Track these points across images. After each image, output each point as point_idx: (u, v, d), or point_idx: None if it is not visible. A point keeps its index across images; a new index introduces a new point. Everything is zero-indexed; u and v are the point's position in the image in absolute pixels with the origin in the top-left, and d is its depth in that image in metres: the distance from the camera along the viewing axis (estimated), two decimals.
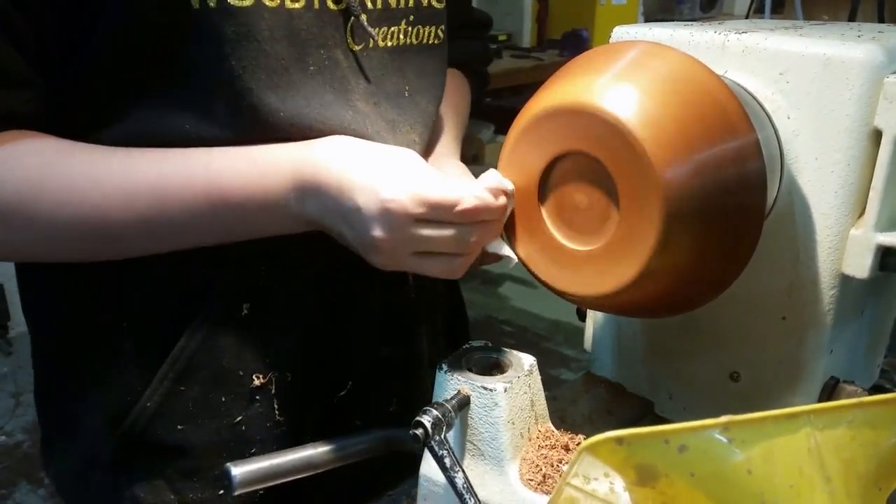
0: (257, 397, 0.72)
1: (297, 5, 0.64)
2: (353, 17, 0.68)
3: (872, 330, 0.77)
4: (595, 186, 0.57)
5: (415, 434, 0.57)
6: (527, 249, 0.63)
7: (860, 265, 0.64)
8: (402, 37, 0.75)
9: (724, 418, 0.38)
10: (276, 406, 0.73)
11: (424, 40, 0.78)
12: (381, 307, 0.79)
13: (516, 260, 0.64)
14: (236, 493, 0.61)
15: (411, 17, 0.75)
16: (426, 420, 0.57)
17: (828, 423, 0.39)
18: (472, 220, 0.60)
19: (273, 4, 0.63)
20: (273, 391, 0.73)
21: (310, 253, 0.70)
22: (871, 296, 0.72)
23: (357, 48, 0.70)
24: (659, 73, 0.56)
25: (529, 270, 0.63)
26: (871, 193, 0.63)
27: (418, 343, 0.85)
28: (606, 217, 0.57)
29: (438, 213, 0.59)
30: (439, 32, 0.79)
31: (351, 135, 0.67)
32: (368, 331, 0.78)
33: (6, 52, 0.59)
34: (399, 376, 0.82)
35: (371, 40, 0.71)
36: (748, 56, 0.66)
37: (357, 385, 0.78)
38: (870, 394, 0.71)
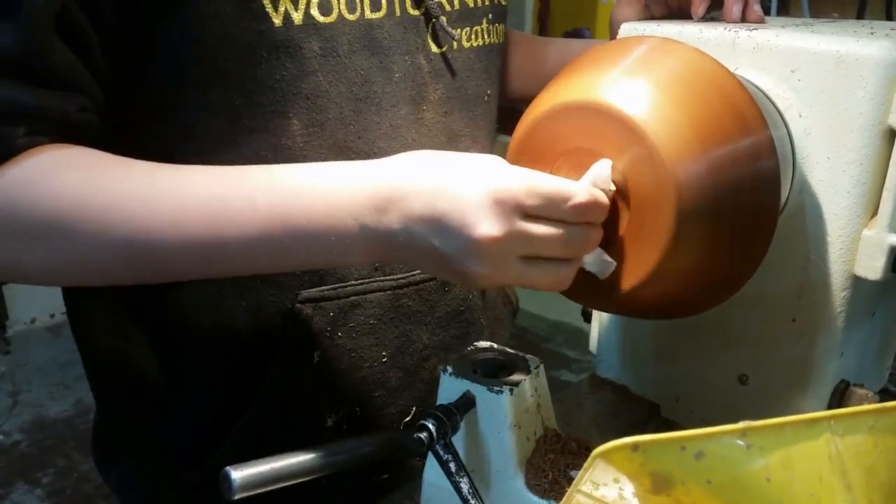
0: (329, 436, 0.71)
1: (377, 15, 0.65)
2: (433, 20, 0.69)
3: (883, 332, 0.75)
4: None
5: (419, 438, 0.56)
6: None
7: (872, 266, 0.63)
8: (485, 36, 0.76)
9: (741, 424, 0.37)
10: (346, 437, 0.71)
11: (500, 39, 0.79)
12: (437, 328, 0.77)
13: (614, 265, 0.57)
14: (236, 498, 0.60)
15: (490, 16, 0.76)
16: (431, 424, 0.56)
17: (849, 429, 0.38)
18: (584, 217, 0.53)
19: (353, 18, 0.63)
20: (344, 427, 0.72)
21: (373, 290, 0.70)
22: (882, 297, 0.71)
23: (440, 51, 0.71)
24: (670, 69, 0.55)
25: None
26: (884, 193, 0.62)
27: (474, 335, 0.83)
28: (617, 216, 0.55)
29: (551, 207, 0.52)
30: (504, 30, 0.80)
31: (412, 150, 0.61)
32: (427, 357, 0.77)
33: (61, 51, 0.54)
34: None
35: (454, 42, 0.72)
36: (759, 53, 0.64)
37: (422, 406, 0.77)
38: (880, 398, 0.70)
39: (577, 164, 0.57)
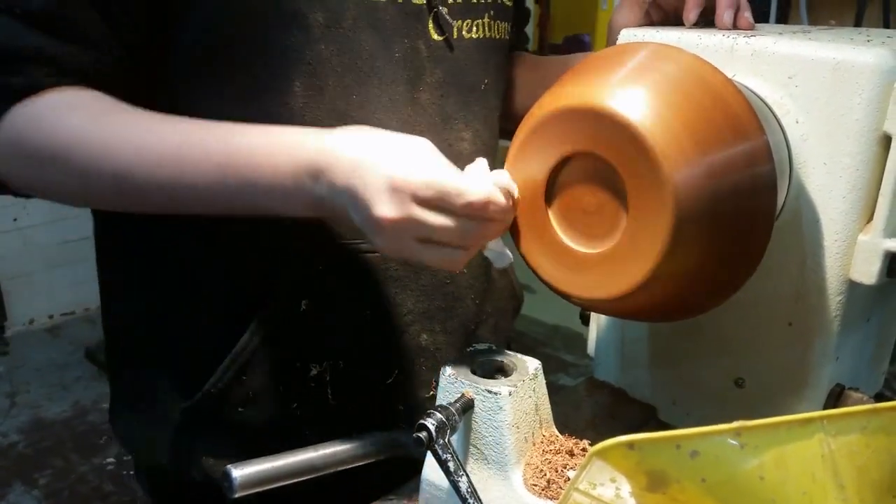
0: (312, 385, 0.77)
1: None
2: (435, 10, 0.75)
3: (878, 337, 0.76)
4: (603, 189, 0.56)
5: (418, 437, 0.57)
6: (532, 252, 0.62)
7: (868, 271, 0.64)
8: (486, 30, 0.81)
9: (736, 423, 0.38)
10: (329, 392, 0.78)
11: (503, 36, 0.83)
12: (419, 299, 0.81)
13: (511, 260, 0.64)
14: (237, 495, 0.60)
15: (492, 13, 0.81)
16: (430, 423, 0.57)
17: (841, 429, 0.38)
18: (478, 214, 0.59)
19: None
20: (328, 379, 0.77)
21: (359, 251, 0.74)
22: (877, 302, 0.72)
23: (441, 38, 0.76)
24: (669, 74, 0.55)
25: (535, 273, 0.62)
26: (879, 199, 0.63)
27: (464, 330, 0.87)
28: (614, 220, 0.56)
29: (445, 201, 0.58)
30: (509, 29, 0.84)
31: (406, 125, 0.74)
32: (411, 322, 0.81)
33: (85, 11, 0.64)
34: (436, 363, 0.83)
35: (455, 31, 0.77)
36: (757, 60, 0.65)
37: (402, 374, 0.82)
38: (875, 402, 0.70)
39: (577, 169, 0.58)
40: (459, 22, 0.77)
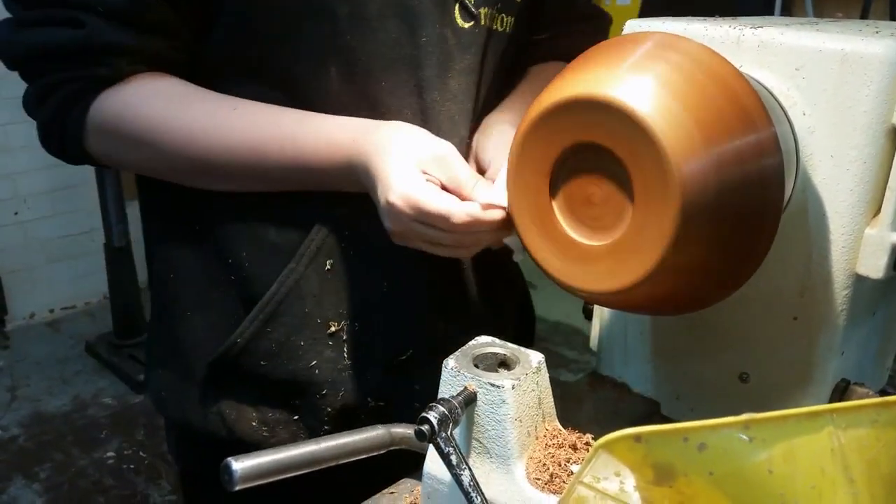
0: (330, 342, 0.83)
1: None
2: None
3: (884, 332, 0.76)
4: (609, 180, 0.56)
5: (420, 430, 0.56)
6: (536, 244, 0.62)
7: (875, 265, 0.63)
8: (498, 23, 0.83)
9: (744, 416, 0.37)
10: (345, 351, 0.83)
11: (506, 29, 0.85)
12: (436, 288, 0.86)
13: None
14: (237, 488, 0.60)
15: (499, 5, 0.82)
16: (432, 416, 0.56)
17: (851, 422, 0.38)
18: (467, 230, 0.66)
19: None
20: (344, 338, 0.83)
21: (383, 228, 0.76)
22: (883, 297, 0.71)
23: (466, 26, 0.79)
24: (676, 64, 0.54)
25: (539, 265, 0.62)
26: (887, 192, 0.62)
27: (474, 321, 0.90)
28: (620, 211, 0.55)
29: (432, 222, 0.66)
30: (513, 25, 0.86)
31: (436, 109, 0.79)
32: (424, 307, 0.86)
33: (160, 4, 0.72)
34: (453, 350, 0.83)
35: (483, 18, 0.80)
36: (764, 51, 0.65)
37: (415, 355, 0.86)
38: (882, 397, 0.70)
39: (582, 160, 0.57)
40: (485, 9, 0.80)
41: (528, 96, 0.92)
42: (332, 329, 0.82)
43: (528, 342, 0.79)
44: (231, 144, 0.74)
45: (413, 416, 0.72)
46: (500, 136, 0.82)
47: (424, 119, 0.79)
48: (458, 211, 0.66)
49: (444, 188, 0.69)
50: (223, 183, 0.79)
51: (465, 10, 0.78)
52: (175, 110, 0.75)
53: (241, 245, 0.82)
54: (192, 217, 0.84)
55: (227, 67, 0.78)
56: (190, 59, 0.78)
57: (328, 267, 0.81)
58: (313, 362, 0.82)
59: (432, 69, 0.78)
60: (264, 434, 0.84)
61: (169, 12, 0.73)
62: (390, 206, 0.67)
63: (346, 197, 0.77)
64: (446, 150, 0.70)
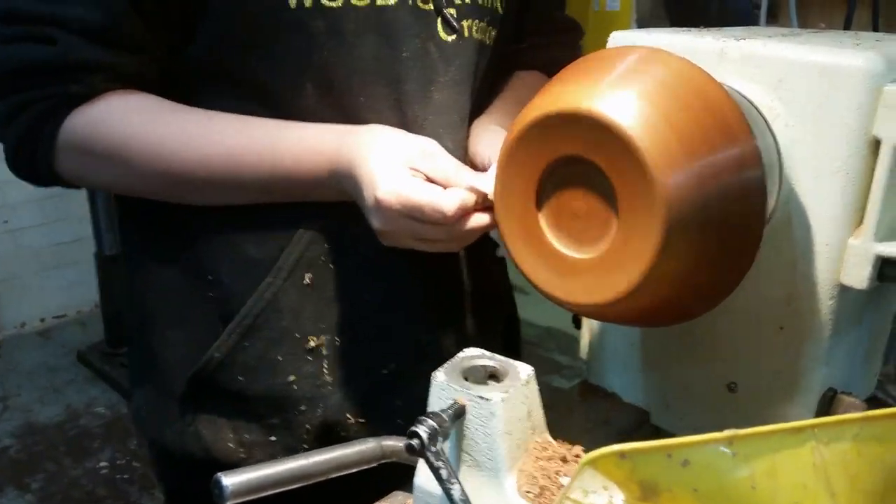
0: (309, 357, 0.81)
1: (389, 2, 0.74)
2: (442, 12, 0.77)
3: (870, 340, 0.76)
4: (594, 193, 0.56)
5: (410, 444, 0.56)
6: (523, 256, 0.62)
7: (859, 275, 0.64)
8: (486, 36, 0.83)
9: (728, 432, 0.38)
10: (325, 366, 0.82)
11: (492, 43, 0.85)
12: (424, 298, 0.85)
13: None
14: None
15: (488, 18, 0.83)
16: (422, 430, 0.56)
17: (833, 437, 0.38)
18: (454, 221, 0.66)
19: (361, 4, 0.73)
20: (324, 353, 0.82)
21: (366, 238, 0.75)
22: (868, 306, 0.72)
23: (450, 39, 0.79)
24: (659, 78, 0.55)
25: (526, 277, 0.62)
26: (869, 203, 0.63)
27: (462, 333, 0.90)
28: (605, 225, 0.56)
29: (421, 215, 0.66)
30: (494, 38, 0.86)
31: (419, 124, 0.78)
32: (411, 318, 0.85)
33: (133, 21, 0.71)
34: (440, 362, 0.83)
35: (466, 31, 0.79)
36: (747, 63, 0.65)
37: (399, 368, 0.85)
38: (868, 405, 0.70)
39: (566, 174, 0.57)
40: (469, 21, 0.80)
41: (512, 102, 0.93)
42: (312, 344, 0.81)
43: (514, 353, 0.79)
44: (207, 157, 0.74)
45: (395, 434, 0.72)
46: (490, 134, 0.83)
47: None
48: (447, 199, 0.66)
49: (430, 181, 0.68)
50: (200, 196, 0.78)
51: (447, 23, 0.78)
52: (149, 125, 0.74)
53: (219, 260, 0.81)
54: (170, 232, 0.83)
55: (204, 82, 0.77)
56: (162, 75, 0.77)
57: (307, 281, 0.80)
58: (291, 377, 0.81)
59: (414, 83, 0.77)
60: (241, 455, 0.83)
61: (142, 28, 0.72)
62: (378, 203, 0.67)
63: (324, 208, 0.77)
64: (429, 144, 0.71)
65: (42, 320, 3.42)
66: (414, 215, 0.67)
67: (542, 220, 0.60)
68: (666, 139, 0.52)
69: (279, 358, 0.81)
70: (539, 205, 0.60)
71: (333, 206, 0.76)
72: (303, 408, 0.82)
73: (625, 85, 0.55)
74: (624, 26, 4.22)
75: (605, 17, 4.04)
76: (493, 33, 0.85)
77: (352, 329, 0.82)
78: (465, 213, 0.67)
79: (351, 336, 0.82)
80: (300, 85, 0.75)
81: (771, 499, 0.37)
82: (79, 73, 0.72)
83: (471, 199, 0.66)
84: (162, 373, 0.86)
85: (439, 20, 0.78)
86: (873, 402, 0.80)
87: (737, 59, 0.66)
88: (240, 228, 0.80)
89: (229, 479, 0.60)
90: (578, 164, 0.56)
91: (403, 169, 0.68)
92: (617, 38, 0.73)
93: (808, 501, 0.38)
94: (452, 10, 0.78)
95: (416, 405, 0.78)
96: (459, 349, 0.84)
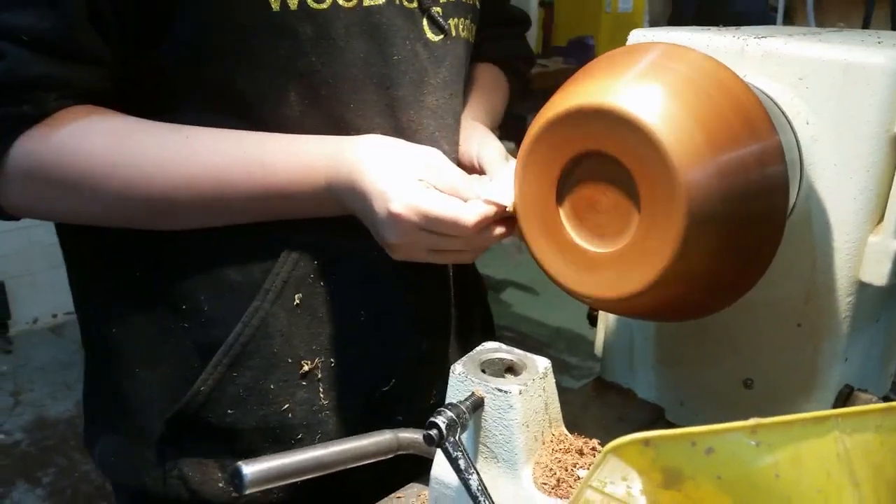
0: (304, 383, 0.76)
1: (377, 2, 0.70)
2: (428, 11, 0.74)
3: (887, 338, 0.76)
4: (615, 188, 0.56)
5: (429, 435, 0.57)
6: (543, 251, 0.62)
7: (878, 272, 0.64)
8: (468, 32, 0.81)
9: (751, 421, 0.38)
10: (321, 390, 0.77)
11: (473, 39, 0.83)
12: (419, 307, 0.81)
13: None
14: (247, 492, 0.61)
15: (471, 15, 0.81)
16: (441, 421, 0.57)
17: (856, 427, 0.39)
18: (474, 233, 0.65)
19: (349, 5, 0.69)
20: (319, 376, 0.77)
21: (357, 251, 0.74)
22: (887, 303, 0.72)
23: (437, 39, 0.75)
24: (681, 73, 0.55)
25: (545, 272, 0.62)
26: (890, 200, 0.63)
27: (452, 336, 0.88)
28: (626, 219, 0.56)
29: (441, 228, 0.64)
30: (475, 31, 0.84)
31: (411, 129, 0.75)
32: (408, 329, 0.81)
33: (86, 30, 0.63)
34: (437, 370, 0.83)
35: (454, 30, 0.76)
36: (768, 61, 0.65)
37: (397, 384, 0.81)
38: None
39: (588, 168, 0.58)
40: (454, 20, 0.77)
41: (483, 97, 0.92)
42: (306, 368, 0.76)
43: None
44: (193, 178, 0.67)
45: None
46: (471, 131, 0.82)
47: (400, 139, 0.73)
48: (468, 213, 0.64)
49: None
50: (180, 221, 0.71)
51: (433, 23, 0.75)
52: (119, 146, 0.66)
53: (196, 288, 0.74)
54: (132, 263, 0.75)
55: (173, 94, 0.70)
56: (125, 88, 0.69)
57: (297, 302, 0.74)
58: (286, 405, 0.76)
59: (406, 87, 0.74)
60: (233, 495, 0.77)
61: (98, 39, 0.64)
62: (394, 217, 0.64)
63: (311, 225, 0.73)
64: (434, 155, 0.69)
65: (54, 316, 3.44)
66: (432, 228, 0.65)
67: (563, 215, 0.60)
68: (688, 134, 0.53)
69: (272, 386, 0.75)
70: (560, 199, 0.60)
71: (318, 221, 0.72)
72: (299, 436, 0.77)
73: (647, 80, 0.55)
74: (635, 28, 4.20)
75: (617, 19, 4.05)
76: (475, 30, 0.83)
77: (346, 348, 0.78)
78: (485, 222, 0.65)
79: (346, 356, 0.78)
80: (283, 94, 0.69)
81: (795, 487, 0.38)
82: (30, 91, 0.64)
83: (491, 210, 0.65)
84: (132, 417, 0.78)
85: (425, 20, 0.74)
86: (888, 402, 0.80)
87: (758, 56, 0.66)
88: (219, 251, 0.73)
89: (249, 468, 0.61)
90: (600, 158, 0.56)
91: (414, 180, 0.65)
92: (637, 36, 0.73)
93: (832, 490, 0.38)
94: (438, 9, 0.75)
95: (417, 415, 0.75)
96: (450, 357, 0.84)
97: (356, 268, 0.76)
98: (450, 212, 0.64)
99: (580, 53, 3.76)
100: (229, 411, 0.75)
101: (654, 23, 4.02)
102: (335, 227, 0.72)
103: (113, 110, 0.68)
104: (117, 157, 0.66)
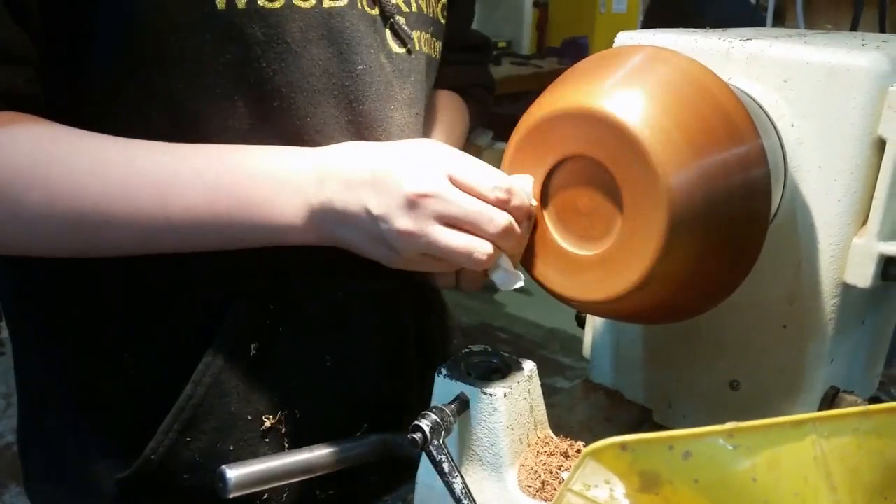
0: (266, 439, 0.69)
1: (338, 4, 0.63)
2: (391, 20, 0.68)
3: (872, 340, 0.76)
4: (598, 191, 0.57)
5: (413, 438, 0.57)
6: (528, 254, 0.62)
7: (862, 274, 0.64)
8: (433, 49, 0.76)
9: (729, 425, 0.38)
10: (286, 445, 0.70)
11: (437, 55, 0.78)
12: (385, 344, 0.76)
13: (521, 281, 0.61)
14: (231, 496, 0.60)
15: (432, 29, 0.75)
16: (425, 424, 0.57)
17: (833, 430, 0.39)
18: (503, 202, 0.57)
19: (306, 5, 0.61)
20: (283, 430, 0.70)
21: (324, 291, 0.69)
22: (871, 305, 0.72)
23: (401, 51, 0.69)
24: (664, 77, 0.55)
25: (530, 275, 0.63)
26: (874, 202, 0.63)
27: (411, 368, 0.82)
28: (609, 222, 0.56)
29: (475, 177, 0.58)
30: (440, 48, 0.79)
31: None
32: (377, 369, 0.76)
33: (10, 27, 0.56)
34: (404, 406, 0.78)
35: (417, 43, 0.71)
36: (753, 63, 0.65)
37: (371, 428, 0.74)
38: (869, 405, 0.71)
39: (572, 172, 0.58)
40: (417, 32, 0.71)
41: (446, 124, 0.87)
42: (268, 424, 0.68)
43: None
44: (129, 185, 0.57)
45: (368, 501, 0.70)
46: None
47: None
48: (502, 179, 0.58)
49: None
50: (117, 241, 0.60)
51: (395, 34, 0.68)
52: (48, 153, 0.57)
53: (128, 342, 0.66)
54: (63, 303, 0.67)
55: (103, 104, 0.61)
56: (49, 98, 0.60)
57: (253, 353, 0.66)
58: None
59: (372, 102, 0.66)
60: None
61: (21, 34, 0.56)
62: (424, 163, 0.57)
63: (265, 266, 0.65)
64: (434, 141, 0.63)
65: None
66: (462, 179, 0.57)
67: (547, 218, 0.60)
68: (671, 137, 0.53)
69: (231, 448, 0.67)
70: (544, 202, 0.60)
71: (275, 261, 0.65)
72: (265, 496, 0.69)
73: (630, 84, 0.55)
74: (630, 28, 4.21)
75: (611, 19, 4.05)
76: (439, 46, 0.77)
77: (312, 398, 0.71)
78: (513, 197, 0.58)
79: (312, 406, 0.71)
80: (230, 105, 0.61)
81: (772, 491, 0.38)
82: None
83: (518, 188, 0.59)
84: (79, 471, 0.71)
85: (388, 30, 0.68)
86: (874, 403, 0.80)
87: (742, 59, 0.66)
88: (157, 298, 0.66)
89: (233, 472, 0.61)
90: (584, 162, 0.56)
91: (438, 145, 0.60)
92: (623, 39, 0.73)
93: (809, 494, 0.38)
94: (402, 18, 0.69)
95: (389, 464, 0.69)
96: (415, 390, 0.79)
97: (318, 311, 0.69)
98: (490, 169, 0.59)
99: (574, 54, 3.76)
100: (185, 476, 0.67)
101: (649, 23, 4.03)
102: (296, 269, 0.66)
103: (41, 117, 0.59)
104: (44, 165, 0.56)
